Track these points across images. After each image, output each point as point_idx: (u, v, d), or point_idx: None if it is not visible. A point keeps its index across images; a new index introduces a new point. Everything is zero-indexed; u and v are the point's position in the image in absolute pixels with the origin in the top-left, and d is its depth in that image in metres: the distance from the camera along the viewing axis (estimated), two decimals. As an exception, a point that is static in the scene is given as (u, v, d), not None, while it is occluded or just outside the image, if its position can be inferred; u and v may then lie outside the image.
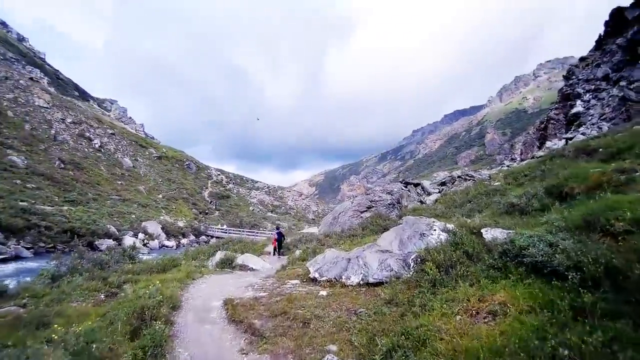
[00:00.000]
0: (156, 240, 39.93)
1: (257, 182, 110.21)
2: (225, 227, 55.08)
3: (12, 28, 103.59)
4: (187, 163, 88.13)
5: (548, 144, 26.31)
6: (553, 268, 4.37)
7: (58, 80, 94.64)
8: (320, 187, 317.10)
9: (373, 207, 18.69)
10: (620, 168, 8.55)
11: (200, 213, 64.40)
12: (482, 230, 6.95)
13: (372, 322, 5.39)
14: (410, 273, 7.12)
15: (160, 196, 62.13)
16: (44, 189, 38.84)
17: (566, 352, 2.72)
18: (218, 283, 10.15)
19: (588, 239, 4.74)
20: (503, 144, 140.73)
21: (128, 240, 34.17)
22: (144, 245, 36.82)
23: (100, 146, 65.47)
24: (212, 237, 47.67)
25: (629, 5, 26.25)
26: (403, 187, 24.69)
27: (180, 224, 51.01)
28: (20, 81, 64.52)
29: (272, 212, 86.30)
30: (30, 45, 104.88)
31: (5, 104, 54.08)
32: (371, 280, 7.60)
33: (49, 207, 33.50)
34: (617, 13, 27.42)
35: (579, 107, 26.64)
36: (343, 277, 8.18)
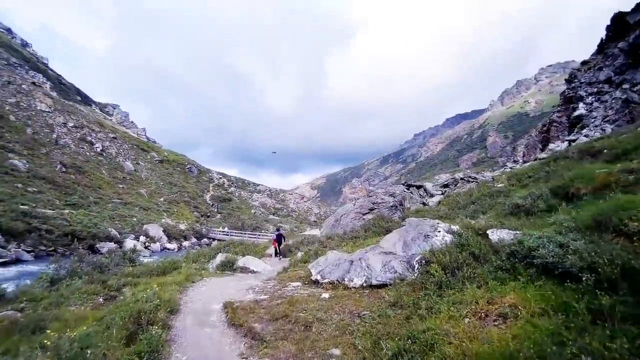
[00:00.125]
0: (158, 243, 39.82)
1: (258, 185, 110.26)
2: (226, 229, 54.97)
3: (17, 34, 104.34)
4: (188, 166, 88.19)
5: (551, 146, 26.12)
6: (565, 269, 4.17)
7: (60, 85, 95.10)
8: (321, 190, 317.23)
9: (375, 209, 18.52)
10: (627, 168, 8.38)
11: (201, 216, 64.33)
12: (488, 232, 6.78)
13: (377, 325, 5.21)
14: (415, 275, 6.94)
15: (162, 199, 62.10)
16: (45, 193, 38.82)
17: None
18: (218, 286, 9.98)
19: (600, 240, 4.56)
20: (505, 147, 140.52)
21: (129, 243, 34.07)
22: (146, 248, 36.71)
23: (101, 150, 65.56)
24: (213, 239, 47.57)
25: (630, 10, 26.69)
26: (405, 189, 24.52)
27: (182, 226, 50.91)
28: (23, 86, 64.75)
29: (273, 214, 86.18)
30: (33, 50, 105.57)
31: (7, 108, 54.23)
32: (374, 282, 7.43)
33: (50, 211, 33.42)
34: (619, 18, 27.81)
35: (581, 109, 26.53)
36: (346, 279, 8.01)
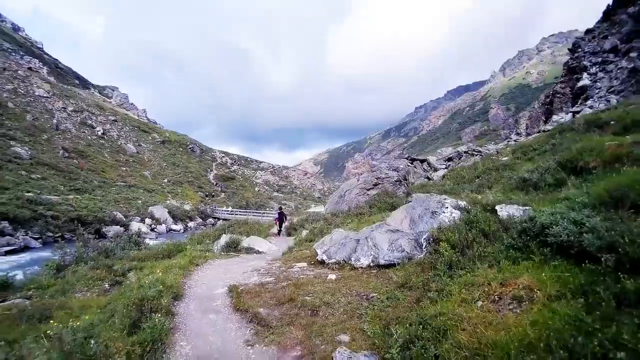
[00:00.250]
0: (163, 225, 40.15)
1: (261, 162, 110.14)
2: (231, 209, 55.25)
3: (7, 17, 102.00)
4: (190, 146, 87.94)
5: (554, 117, 25.59)
6: (582, 249, 3.93)
7: (57, 69, 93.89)
8: (324, 165, 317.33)
9: (379, 184, 18.32)
10: (638, 140, 8.06)
11: (206, 196, 64.62)
12: (497, 207, 6.54)
13: (385, 309, 5.07)
14: (423, 254, 6.78)
15: (166, 180, 62.26)
16: (49, 179, 38.93)
17: (621, 355, 2.30)
18: (223, 268, 9.93)
19: (618, 217, 4.30)
20: (507, 119, 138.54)
21: (135, 226, 34.35)
22: (152, 230, 37.03)
23: (103, 133, 65.29)
24: (218, 219, 47.89)
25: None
26: (409, 164, 24.25)
27: (187, 207, 51.22)
28: (19, 71, 63.89)
29: (277, 192, 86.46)
30: (26, 35, 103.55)
31: (5, 95, 53.67)
32: (382, 262, 7.30)
33: (55, 197, 33.57)
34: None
35: (585, 80, 25.81)
36: (352, 259, 7.89)
